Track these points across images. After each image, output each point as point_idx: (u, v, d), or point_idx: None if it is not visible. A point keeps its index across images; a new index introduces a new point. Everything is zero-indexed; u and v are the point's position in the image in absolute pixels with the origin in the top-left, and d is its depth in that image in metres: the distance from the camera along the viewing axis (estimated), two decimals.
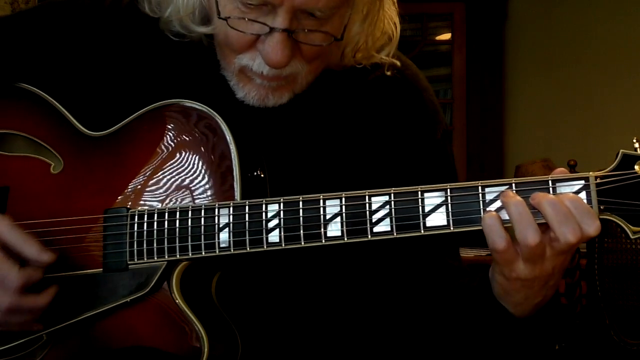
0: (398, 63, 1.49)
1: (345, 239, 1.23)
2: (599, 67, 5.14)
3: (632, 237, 1.12)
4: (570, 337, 3.22)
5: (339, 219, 1.23)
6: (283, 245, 1.25)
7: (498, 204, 1.18)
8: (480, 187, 1.19)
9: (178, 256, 1.30)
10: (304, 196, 1.25)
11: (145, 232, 1.32)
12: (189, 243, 1.29)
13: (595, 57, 5.15)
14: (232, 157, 1.31)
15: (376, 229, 1.22)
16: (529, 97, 5.29)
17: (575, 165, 2.97)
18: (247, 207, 1.27)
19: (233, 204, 1.28)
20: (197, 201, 1.32)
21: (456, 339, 1.43)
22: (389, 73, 1.49)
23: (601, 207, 1.14)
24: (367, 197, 1.23)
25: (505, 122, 5.28)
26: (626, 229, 1.13)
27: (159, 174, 1.36)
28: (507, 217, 1.17)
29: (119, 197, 1.36)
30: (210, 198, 1.32)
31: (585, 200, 1.15)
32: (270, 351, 1.44)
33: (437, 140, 1.51)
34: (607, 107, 5.02)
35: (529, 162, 4.30)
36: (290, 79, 1.37)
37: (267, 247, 1.26)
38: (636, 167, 1.13)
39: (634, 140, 1.15)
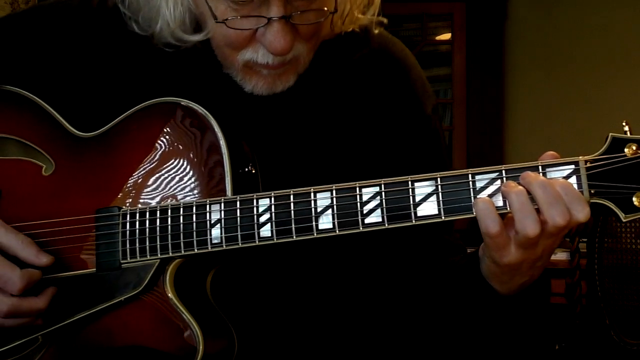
0: (385, 20, 1.48)
1: (337, 231, 1.22)
2: (599, 67, 5.13)
3: (623, 220, 1.11)
4: (570, 337, 3.21)
5: (330, 211, 1.22)
6: (275, 239, 1.25)
7: (489, 191, 1.18)
8: (470, 175, 1.18)
9: (170, 254, 1.30)
10: (294, 190, 1.25)
11: (137, 231, 1.32)
12: (181, 240, 1.29)
13: (595, 57, 5.15)
14: (223, 153, 1.31)
15: (367, 220, 1.21)
16: (529, 97, 5.28)
17: None
18: (238, 203, 1.27)
19: (224, 199, 1.28)
20: (189, 199, 1.32)
21: (445, 318, 1.43)
22: (376, 31, 1.49)
23: (592, 192, 1.13)
24: (357, 188, 1.22)
25: (505, 122, 5.27)
26: (618, 212, 1.12)
27: (150, 172, 1.36)
28: (500, 204, 1.17)
29: (111, 197, 1.36)
30: (202, 195, 1.31)
31: (575, 185, 1.14)
32: (267, 349, 1.43)
33: (427, 115, 1.51)
34: (607, 106, 5.00)
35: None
36: (294, 61, 1.37)
37: (259, 241, 1.26)
38: (626, 149, 1.12)
39: (624, 124, 1.15)
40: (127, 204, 1.34)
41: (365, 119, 1.46)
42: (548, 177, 1.15)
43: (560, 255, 3.42)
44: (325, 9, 1.33)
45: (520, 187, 1.15)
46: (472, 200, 1.17)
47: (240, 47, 1.34)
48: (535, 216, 1.14)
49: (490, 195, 1.17)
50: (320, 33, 1.40)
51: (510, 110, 5.30)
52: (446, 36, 5.40)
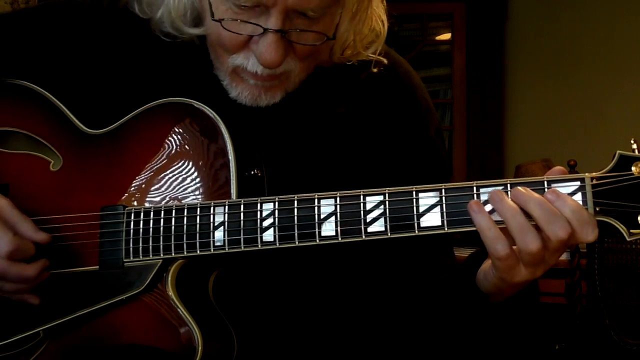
0: (385, 60, 1.49)
1: (340, 238, 1.23)
2: (599, 67, 5.13)
3: (628, 239, 1.11)
4: (570, 337, 3.22)
5: (333, 218, 1.23)
6: (277, 244, 1.25)
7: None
8: (475, 188, 1.18)
9: (173, 254, 1.30)
10: (298, 195, 1.25)
11: (141, 230, 1.33)
12: (184, 241, 1.30)
13: (596, 57, 5.15)
14: (229, 155, 1.32)
15: (370, 229, 1.21)
16: (529, 97, 5.28)
17: (575, 165, 2.95)
18: (242, 206, 1.27)
19: (228, 202, 1.28)
20: (194, 199, 1.32)
21: (442, 332, 1.44)
22: (375, 70, 1.49)
23: (597, 209, 1.13)
24: (361, 196, 1.22)
25: (505, 122, 5.28)
26: (622, 231, 1.12)
27: (157, 172, 1.36)
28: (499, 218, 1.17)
29: (117, 195, 1.36)
30: (207, 197, 1.32)
31: (580, 202, 1.14)
32: (266, 351, 1.44)
33: (430, 137, 1.51)
34: (608, 107, 5.01)
35: (529, 162, 4.29)
36: (283, 78, 1.37)
37: (261, 246, 1.26)
38: (633, 168, 1.12)
39: (632, 141, 1.15)
40: (133, 203, 1.35)
41: (369, 138, 1.47)
42: None
43: (560, 255, 3.42)
44: (325, 34, 1.33)
45: (514, 206, 1.15)
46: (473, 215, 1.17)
47: (233, 51, 1.35)
48: (534, 231, 1.14)
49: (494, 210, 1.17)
50: (317, 56, 1.40)
51: (510, 110, 5.30)
52: (446, 36, 5.40)
